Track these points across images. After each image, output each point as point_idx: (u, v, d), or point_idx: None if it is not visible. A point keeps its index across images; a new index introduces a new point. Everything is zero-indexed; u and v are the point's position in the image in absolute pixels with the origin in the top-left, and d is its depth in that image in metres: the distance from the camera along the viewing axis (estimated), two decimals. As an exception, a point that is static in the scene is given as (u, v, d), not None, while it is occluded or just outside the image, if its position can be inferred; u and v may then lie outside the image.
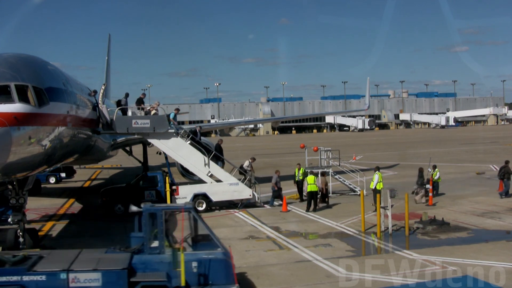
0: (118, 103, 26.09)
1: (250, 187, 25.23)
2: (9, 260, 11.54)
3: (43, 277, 11.10)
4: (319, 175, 25.96)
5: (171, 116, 26.25)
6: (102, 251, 12.48)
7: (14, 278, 11.07)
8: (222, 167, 25.56)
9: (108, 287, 11.17)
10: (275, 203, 25.77)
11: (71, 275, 11.14)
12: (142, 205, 12.77)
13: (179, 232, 12.30)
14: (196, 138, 25.78)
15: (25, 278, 11.06)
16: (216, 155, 25.48)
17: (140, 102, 25.98)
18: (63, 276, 11.11)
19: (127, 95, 26.34)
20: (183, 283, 11.25)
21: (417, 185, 25.71)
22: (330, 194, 27.43)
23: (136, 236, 12.71)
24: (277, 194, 26.03)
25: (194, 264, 11.57)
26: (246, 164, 26.48)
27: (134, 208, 13.05)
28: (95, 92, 23.82)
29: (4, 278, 11.09)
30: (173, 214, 12.86)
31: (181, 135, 24.63)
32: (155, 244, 11.96)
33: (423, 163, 36.43)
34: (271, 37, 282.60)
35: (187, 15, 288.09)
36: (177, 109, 28.12)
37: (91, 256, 12.14)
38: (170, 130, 24.35)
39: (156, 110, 25.10)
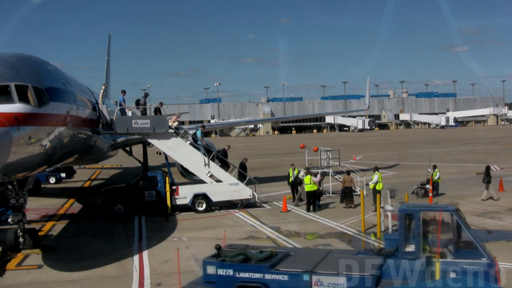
0: (137, 103, 26.20)
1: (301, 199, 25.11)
2: (255, 256, 11.02)
3: (286, 277, 10.49)
4: (345, 174, 25.55)
5: (198, 134, 26.44)
6: (353, 252, 11.55)
7: (257, 275, 10.63)
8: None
9: None
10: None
11: (314, 278, 10.40)
12: (399, 205, 11.70)
13: (442, 236, 11.04)
14: (226, 159, 26.00)
15: (267, 276, 10.54)
16: (240, 171, 25.66)
17: (156, 111, 26.11)
18: (306, 277, 10.42)
19: (146, 95, 26.63)
20: None
21: (484, 182, 25.56)
22: (330, 194, 27.45)
23: (391, 238, 11.61)
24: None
25: (453, 274, 10.20)
26: (301, 174, 26.10)
27: (389, 208, 12.26)
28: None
29: (246, 275, 10.67)
30: (433, 215, 11.60)
31: (212, 157, 24.87)
32: (411, 248, 10.83)
33: (423, 163, 36.46)
34: (271, 37, 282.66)
35: (187, 15, 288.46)
36: (203, 126, 28.32)
37: (339, 257, 11.13)
38: (199, 149, 24.75)
39: (177, 121, 26.06)
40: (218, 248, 11.44)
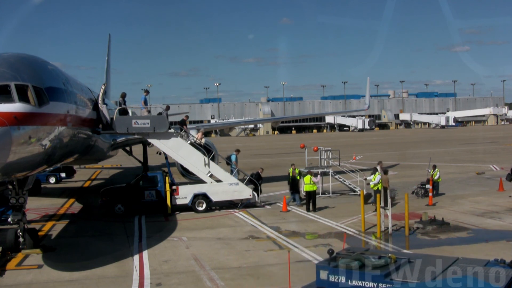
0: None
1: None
2: (371, 263, 10.01)
3: None
4: (382, 174, 24.15)
5: (233, 159, 26.71)
6: (482, 262, 10.53)
7: (369, 284, 9.51)
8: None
9: None
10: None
11: None
12: None
13: None
14: (259, 182, 25.78)
15: (381, 285, 9.43)
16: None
17: (182, 123, 26.16)
18: None
19: (168, 108, 26.38)
20: None
21: (507, 180, 25.67)
22: (330, 194, 27.43)
23: None
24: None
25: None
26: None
27: None
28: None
29: (359, 283, 9.55)
30: None
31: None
32: None
33: (423, 163, 36.49)
34: (271, 37, 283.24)
35: (187, 15, 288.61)
36: (238, 150, 28.30)
37: (464, 266, 10.07)
38: (233, 177, 24.97)
39: (202, 137, 26.79)
40: (331, 252, 10.72)
